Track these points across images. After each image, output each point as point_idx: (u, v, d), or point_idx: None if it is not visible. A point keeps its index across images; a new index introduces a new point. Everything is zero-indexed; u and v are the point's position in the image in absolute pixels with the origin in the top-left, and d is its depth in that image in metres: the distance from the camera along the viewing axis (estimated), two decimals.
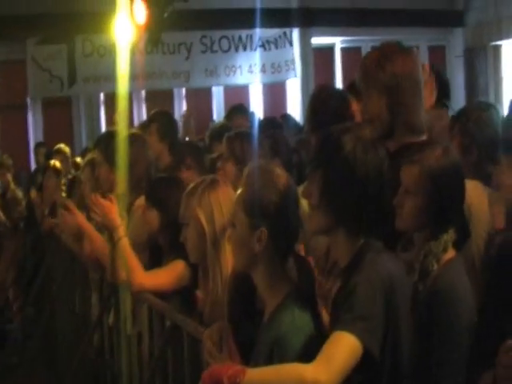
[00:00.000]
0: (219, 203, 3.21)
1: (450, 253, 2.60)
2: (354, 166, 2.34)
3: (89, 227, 4.58)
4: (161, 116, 5.64)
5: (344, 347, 2.18)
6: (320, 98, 3.76)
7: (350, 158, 2.35)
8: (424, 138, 2.94)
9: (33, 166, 10.24)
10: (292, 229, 2.51)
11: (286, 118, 8.51)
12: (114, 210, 4.07)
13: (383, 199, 2.40)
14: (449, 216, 2.61)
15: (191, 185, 3.40)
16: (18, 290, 8.31)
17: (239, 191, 2.52)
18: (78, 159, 7.72)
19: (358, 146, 2.36)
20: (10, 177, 8.99)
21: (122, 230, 4.00)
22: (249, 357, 2.51)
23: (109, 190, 4.51)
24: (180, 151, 5.21)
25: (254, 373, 2.23)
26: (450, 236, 2.59)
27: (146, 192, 4.12)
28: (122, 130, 5.24)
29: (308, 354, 2.22)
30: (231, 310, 2.76)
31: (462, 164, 2.71)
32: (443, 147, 2.66)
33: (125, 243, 3.95)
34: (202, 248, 3.24)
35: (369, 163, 2.35)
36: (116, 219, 4.02)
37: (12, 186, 8.97)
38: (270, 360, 2.35)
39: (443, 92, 4.01)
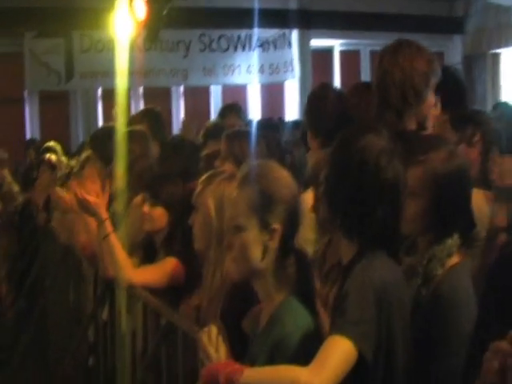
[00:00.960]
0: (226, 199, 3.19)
1: (455, 258, 2.58)
2: (370, 176, 2.35)
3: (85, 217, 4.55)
4: (150, 114, 5.61)
5: (338, 351, 2.18)
6: (319, 96, 3.76)
7: (364, 169, 2.35)
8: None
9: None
10: (298, 224, 2.51)
11: (282, 120, 8.55)
12: (100, 204, 4.06)
13: (398, 207, 2.40)
14: (453, 220, 2.59)
15: (211, 172, 3.41)
16: (10, 285, 8.29)
17: (242, 191, 2.49)
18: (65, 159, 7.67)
19: (379, 156, 2.36)
20: (5, 171, 8.97)
21: (108, 225, 3.97)
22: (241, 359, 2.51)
23: (101, 188, 4.49)
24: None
25: (250, 372, 2.22)
26: (454, 241, 2.57)
27: (149, 190, 4.09)
28: (120, 125, 5.23)
29: (310, 353, 2.21)
30: (224, 318, 2.75)
31: (468, 168, 2.70)
32: (449, 150, 2.65)
33: (112, 239, 3.93)
34: (206, 238, 3.23)
35: (389, 172, 2.36)
36: (101, 213, 4.00)
37: (8, 179, 8.94)
38: (270, 360, 2.34)
39: (458, 98, 3.82)
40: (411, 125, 3.19)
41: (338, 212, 2.40)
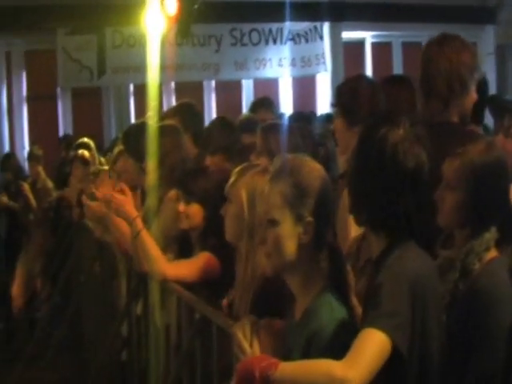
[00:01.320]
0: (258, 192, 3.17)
1: (493, 252, 2.54)
2: (391, 164, 2.34)
3: (115, 216, 4.57)
4: (183, 108, 5.61)
5: (372, 344, 2.16)
6: (351, 87, 3.72)
7: (387, 157, 2.34)
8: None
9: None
10: (331, 217, 2.50)
11: (314, 113, 8.52)
12: (127, 202, 4.06)
13: (420, 197, 2.37)
14: (490, 213, 2.54)
15: (244, 164, 3.40)
16: (45, 280, 8.35)
17: (275, 185, 2.47)
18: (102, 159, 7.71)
19: (396, 146, 2.35)
20: (40, 167, 9.04)
21: (139, 222, 3.98)
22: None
23: (130, 184, 4.51)
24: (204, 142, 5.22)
25: (285, 366, 2.21)
26: (492, 235, 2.53)
27: (182, 187, 4.07)
28: (152, 121, 5.24)
29: (345, 346, 2.20)
30: (254, 312, 2.74)
31: (506, 161, 2.65)
32: (487, 142, 2.61)
33: (144, 235, 3.94)
34: (237, 230, 3.22)
35: (408, 161, 2.34)
36: (131, 211, 4.02)
37: (42, 176, 9.02)
38: (305, 354, 2.32)
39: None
40: (455, 117, 3.21)
41: (363, 206, 2.40)
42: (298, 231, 2.41)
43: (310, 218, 2.40)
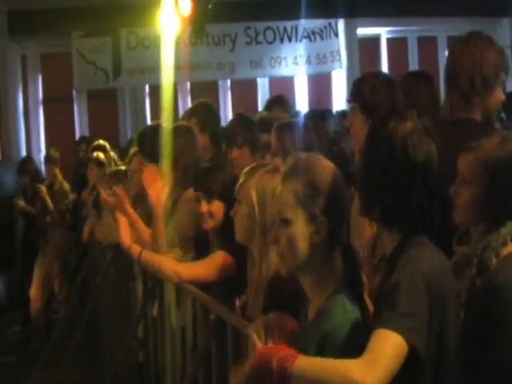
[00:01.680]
0: (274, 193, 3.15)
1: (510, 247, 2.48)
2: (400, 159, 2.32)
3: (134, 216, 4.59)
4: (200, 108, 5.61)
5: (390, 346, 2.12)
6: (370, 83, 3.68)
7: (396, 152, 2.32)
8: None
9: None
10: (345, 216, 2.47)
11: (329, 111, 8.48)
12: (123, 230, 4.38)
13: (431, 190, 2.34)
14: (506, 208, 2.49)
15: (253, 164, 3.38)
16: (63, 281, 8.38)
17: (288, 184, 2.44)
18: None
19: (406, 139, 2.32)
20: (57, 169, 9.07)
21: (135, 249, 4.24)
22: None
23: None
24: (221, 139, 5.23)
25: (302, 361, 2.17)
26: (508, 229, 2.48)
27: (200, 186, 4.04)
28: (167, 121, 5.24)
29: (359, 346, 2.16)
30: (266, 312, 2.71)
31: None
32: (502, 136, 2.56)
33: (145, 255, 4.14)
34: (249, 230, 3.20)
35: (418, 156, 2.32)
36: (125, 241, 4.34)
37: (59, 178, 9.04)
38: (319, 353, 2.29)
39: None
40: (477, 114, 3.20)
41: (373, 202, 2.37)
42: (311, 231, 2.38)
43: (322, 218, 2.37)
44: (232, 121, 5.44)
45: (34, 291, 8.43)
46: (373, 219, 2.45)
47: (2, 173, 10.11)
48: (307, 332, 2.42)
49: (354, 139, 3.79)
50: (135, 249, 4.22)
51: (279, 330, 2.49)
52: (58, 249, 8.61)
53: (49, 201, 8.73)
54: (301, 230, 2.38)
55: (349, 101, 3.74)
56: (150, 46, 10.74)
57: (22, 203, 8.88)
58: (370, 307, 2.46)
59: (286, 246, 2.41)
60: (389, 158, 2.33)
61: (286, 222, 2.40)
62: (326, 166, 2.45)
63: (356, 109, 3.61)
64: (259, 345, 2.40)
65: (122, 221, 4.45)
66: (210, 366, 3.63)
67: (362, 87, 3.62)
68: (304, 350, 2.36)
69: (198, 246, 4.19)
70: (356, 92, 3.65)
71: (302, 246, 2.38)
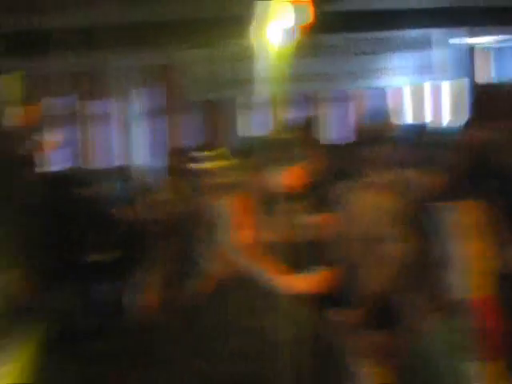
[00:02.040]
0: (367, 207, 3.11)
1: None
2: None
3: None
4: (307, 122, 5.64)
5: None
6: (487, 94, 3.58)
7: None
8: None
9: None
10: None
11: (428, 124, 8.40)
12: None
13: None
14: None
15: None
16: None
17: (381, 200, 2.39)
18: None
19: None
20: (166, 179, 9.17)
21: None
22: None
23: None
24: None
25: None
26: None
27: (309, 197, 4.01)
28: (275, 134, 5.27)
29: None
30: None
31: None
32: None
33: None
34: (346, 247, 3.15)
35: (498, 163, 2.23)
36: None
37: (167, 188, 9.13)
38: None
39: None
40: None
41: None
42: (404, 248, 2.32)
43: (413, 235, 2.31)
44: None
45: (149, 296, 8.52)
46: None
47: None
48: None
49: None
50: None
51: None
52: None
53: (155, 211, 8.82)
54: (394, 247, 2.36)
55: (471, 114, 3.65)
56: (251, 58, 10.81)
57: (128, 212, 9.00)
58: None
59: (380, 262, 2.37)
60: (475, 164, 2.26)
61: (381, 240, 2.38)
62: (419, 183, 2.40)
63: (475, 119, 3.52)
64: None
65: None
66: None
67: (483, 99, 3.53)
68: None
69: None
70: (477, 105, 3.56)
71: (395, 263, 2.34)
